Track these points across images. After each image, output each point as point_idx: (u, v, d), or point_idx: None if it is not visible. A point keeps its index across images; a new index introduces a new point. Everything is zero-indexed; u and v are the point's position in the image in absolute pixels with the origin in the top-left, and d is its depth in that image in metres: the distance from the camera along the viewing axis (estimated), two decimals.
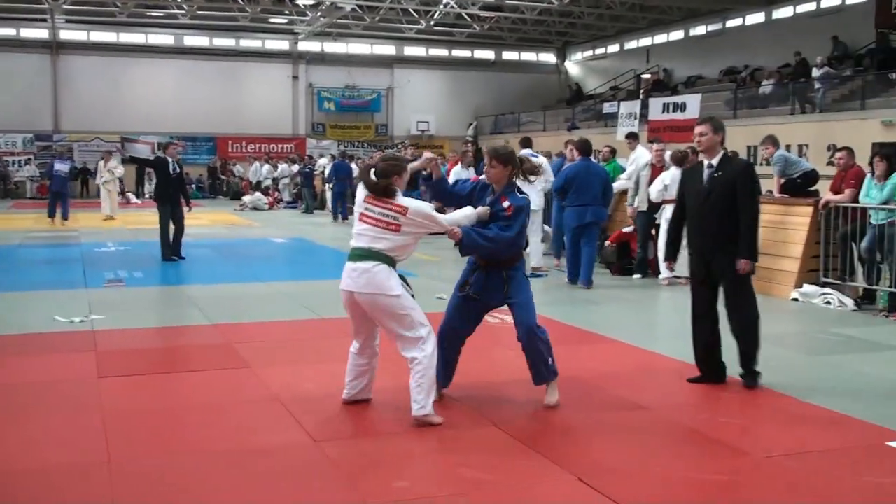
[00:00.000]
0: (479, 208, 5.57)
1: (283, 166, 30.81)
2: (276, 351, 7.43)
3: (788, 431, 5.33)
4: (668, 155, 12.15)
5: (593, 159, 12.45)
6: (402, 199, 5.25)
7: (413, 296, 5.34)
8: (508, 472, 4.55)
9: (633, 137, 13.79)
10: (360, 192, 5.35)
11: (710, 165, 6.33)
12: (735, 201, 6.19)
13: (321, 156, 32.09)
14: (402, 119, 40.76)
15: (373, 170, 5.31)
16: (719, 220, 6.21)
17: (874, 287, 9.82)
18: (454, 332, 5.76)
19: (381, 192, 5.22)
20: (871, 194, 9.70)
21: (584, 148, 11.83)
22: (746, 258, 6.18)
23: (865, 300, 9.86)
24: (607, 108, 29.31)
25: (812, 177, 11.40)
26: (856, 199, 9.90)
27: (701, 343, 6.41)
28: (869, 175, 9.91)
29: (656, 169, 12.17)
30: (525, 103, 39.77)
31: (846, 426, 5.41)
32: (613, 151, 14.84)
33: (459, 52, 41.99)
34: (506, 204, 5.49)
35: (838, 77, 24.82)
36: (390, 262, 5.25)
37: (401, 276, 5.31)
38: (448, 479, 4.44)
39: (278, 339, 7.97)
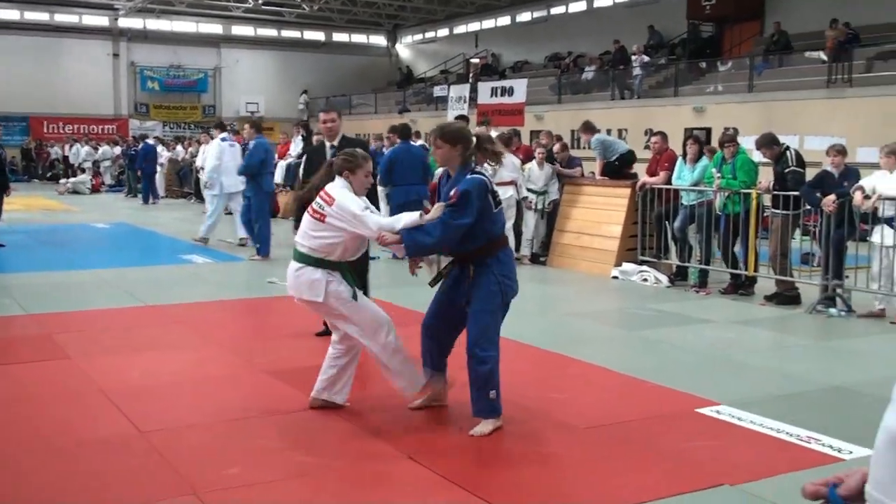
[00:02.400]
0: (437, 209, 4.77)
1: (104, 148, 29.48)
2: (99, 340, 7.16)
3: (609, 403, 5.61)
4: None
5: (413, 142, 12.81)
6: (334, 189, 4.88)
7: (356, 292, 4.98)
8: (341, 455, 4.58)
9: (462, 120, 14.05)
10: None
11: (333, 146, 7.01)
12: None
13: (145, 137, 30.87)
14: (230, 100, 39.75)
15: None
16: None
17: (686, 264, 10.42)
18: (433, 326, 5.13)
19: (323, 182, 4.98)
20: (683, 176, 10.28)
21: (404, 132, 12.24)
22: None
23: (678, 276, 10.46)
24: (438, 91, 29.64)
25: (629, 158, 11.96)
26: (669, 182, 10.46)
27: None
28: (681, 158, 10.50)
29: None
30: (356, 86, 39.62)
31: (661, 395, 5.75)
32: None
33: (289, 33, 41.32)
34: (452, 191, 4.75)
35: (654, 65, 26.04)
36: (318, 262, 4.88)
37: (344, 270, 4.94)
38: (280, 464, 4.43)
39: (101, 327, 7.68)
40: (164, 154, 25.25)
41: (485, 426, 4.82)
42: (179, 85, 39.24)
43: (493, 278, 4.77)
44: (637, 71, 25.21)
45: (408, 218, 4.79)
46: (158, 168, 24.33)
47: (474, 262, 4.79)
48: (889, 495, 1.20)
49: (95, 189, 27.23)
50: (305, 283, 4.90)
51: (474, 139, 4.93)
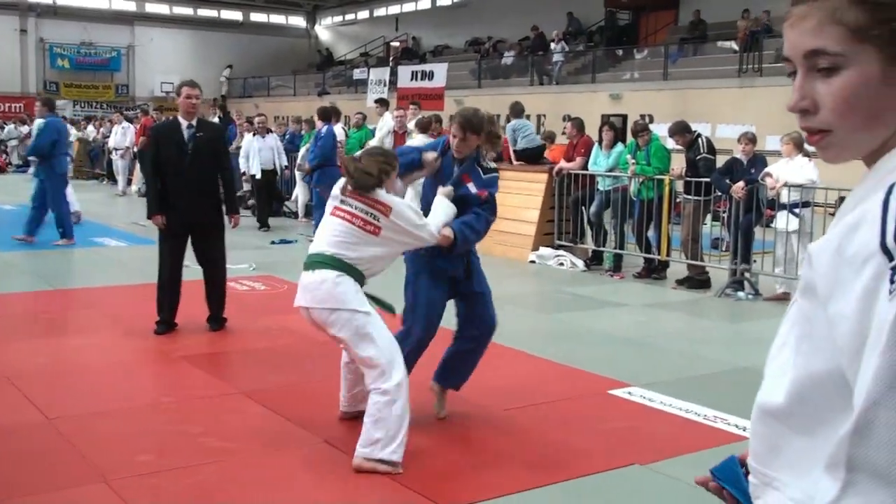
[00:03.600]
0: (446, 193, 4.66)
1: (9, 127, 28.49)
2: (5, 325, 6.93)
3: (525, 385, 5.69)
4: (411, 123, 12.46)
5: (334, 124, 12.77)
6: (385, 196, 4.29)
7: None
8: (255, 440, 4.55)
9: (381, 104, 14.00)
10: (339, 183, 4.44)
11: (191, 125, 6.70)
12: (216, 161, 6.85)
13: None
14: (145, 79, 38.79)
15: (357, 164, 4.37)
16: (200, 177, 6.69)
17: (601, 249, 10.60)
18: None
19: (368, 187, 4.26)
20: (599, 162, 10.44)
21: (325, 115, 12.17)
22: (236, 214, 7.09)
23: (594, 261, 10.63)
24: (358, 74, 29.44)
25: (536, 153, 12.03)
26: (585, 167, 10.60)
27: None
28: (597, 144, 10.66)
29: (399, 136, 12.42)
30: (275, 67, 39.08)
31: (575, 377, 5.85)
32: (364, 118, 15.00)
33: (205, 12, 40.52)
34: (472, 189, 4.69)
35: (572, 52, 26.34)
36: (358, 276, 4.24)
37: (371, 297, 4.34)
38: (193, 450, 4.37)
39: (6, 312, 7.44)
40: (71, 134, 24.54)
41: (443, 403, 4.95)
42: (91, 63, 38.13)
43: (478, 261, 4.95)
44: (556, 58, 25.45)
45: (446, 211, 4.60)
46: None
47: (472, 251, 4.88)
48: (764, 464, 1.28)
49: (1, 169, 26.32)
50: (344, 291, 4.16)
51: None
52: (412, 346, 4.67)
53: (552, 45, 25.85)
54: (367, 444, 4.07)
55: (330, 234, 4.28)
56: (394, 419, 4.06)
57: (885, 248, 1.03)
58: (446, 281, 4.78)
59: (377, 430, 4.06)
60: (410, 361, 4.59)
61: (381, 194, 4.29)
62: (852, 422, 1.01)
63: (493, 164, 4.95)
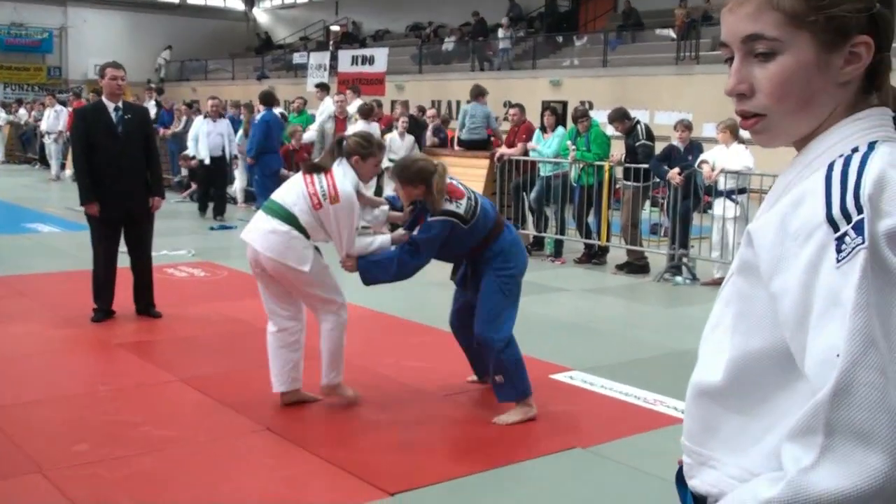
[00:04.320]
0: (396, 236, 4.80)
1: None
2: None
3: (466, 370, 5.69)
4: (351, 108, 12.39)
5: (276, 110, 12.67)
6: (343, 185, 4.56)
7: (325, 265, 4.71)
8: (197, 428, 4.50)
9: (322, 88, 13.88)
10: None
11: (117, 108, 6.57)
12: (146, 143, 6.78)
13: None
14: (78, 62, 37.82)
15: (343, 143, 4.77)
16: (132, 162, 6.59)
17: (542, 234, 10.67)
18: (453, 324, 5.23)
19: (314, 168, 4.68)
20: (542, 147, 10.49)
21: (268, 100, 12.08)
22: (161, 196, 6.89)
23: (535, 246, 10.70)
24: (297, 58, 29.10)
25: (478, 145, 12.06)
26: (526, 153, 10.65)
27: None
28: (539, 130, 10.71)
29: (339, 121, 12.33)
30: (212, 50, 38.47)
31: None
32: (305, 102, 14.88)
33: None
34: (415, 232, 4.69)
35: (514, 38, 26.40)
36: (306, 235, 4.57)
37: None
38: (133, 439, 4.30)
39: None
40: (1, 117, 23.95)
41: (510, 415, 4.69)
42: (21, 44, 37.04)
43: (492, 275, 4.73)
44: (503, 44, 25.44)
45: (375, 242, 4.69)
46: None
47: (471, 261, 4.84)
48: (699, 443, 1.31)
49: None
50: (293, 247, 4.52)
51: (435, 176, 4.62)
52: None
53: (499, 32, 25.80)
54: (328, 382, 4.76)
55: (292, 191, 4.60)
56: (340, 350, 4.75)
57: (830, 219, 1.07)
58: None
59: (331, 371, 4.74)
60: None
61: (340, 177, 4.56)
62: (830, 386, 1.03)
63: (451, 206, 4.62)
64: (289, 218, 4.53)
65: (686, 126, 9.33)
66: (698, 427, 1.31)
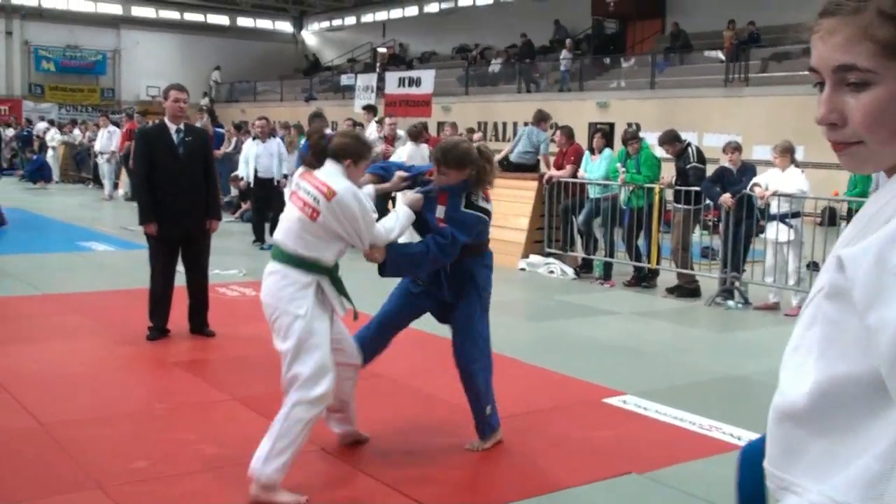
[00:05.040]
0: (409, 201, 4.24)
1: None
2: None
3: (517, 393, 5.67)
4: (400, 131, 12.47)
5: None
6: (333, 179, 3.88)
7: (344, 305, 4.05)
8: (251, 447, 4.51)
9: (370, 110, 13.99)
10: (300, 169, 4.18)
11: (179, 130, 6.65)
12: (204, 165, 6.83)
13: (41, 119, 29.82)
14: (130, 83, 38.65)
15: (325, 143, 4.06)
16: (192, 183, 6.64)
17: (591, 257, 10.62)
18: (382, 323, 4.60)
19: (313, 160, 4.00)
20: (590, 169, 10.47)
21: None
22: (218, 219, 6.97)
23: (584, 269, 10.65)
24: (345, 80, 29.39)
25: (526, 167, 11.96)
26: (575, 175, 10.63)
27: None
28: (588, 152, 10.68)
29: (387, 141, 12.41)
30: (262, 72, 39.03)
31: (568, 385, 5.85)
32: (353, 124, 15.00)
33: (192, 16, 40.43)
34: (439, 213, 4.26)
35: (558, 61, 26.39)
36: (309, 266, 3.90)
37: (334, 276, 4.00)
38: (189, 457, 4.34)
39: None
40: (56, 137, 24.48)
41: (483, 442, 4.56)
42: (76, 66, 37.95)
43: (475, 293, 4.42)
44: (564, 65, 25.27)
45: (400, 220, 4.16)
46: (50, 151, 23.69)
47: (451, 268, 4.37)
48: (780, 468, 1.29)
49: None
50: (286, 286, 3.87)
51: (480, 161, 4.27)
52: None
53: (563, 52, 25.52)
54: (258, 467, 3.82)
55: (284, 221, 3.99)
56: (298, 438, 3.85)
57: None
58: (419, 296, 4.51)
59: (275, 456, 3.80)
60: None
61: (328, 174, 3.92)
62: None
63: (485, 205, 4.33)
64: (287, 258, 3.92)
65: (735, 148, 9.25)
66: (780, 451, 1.29)
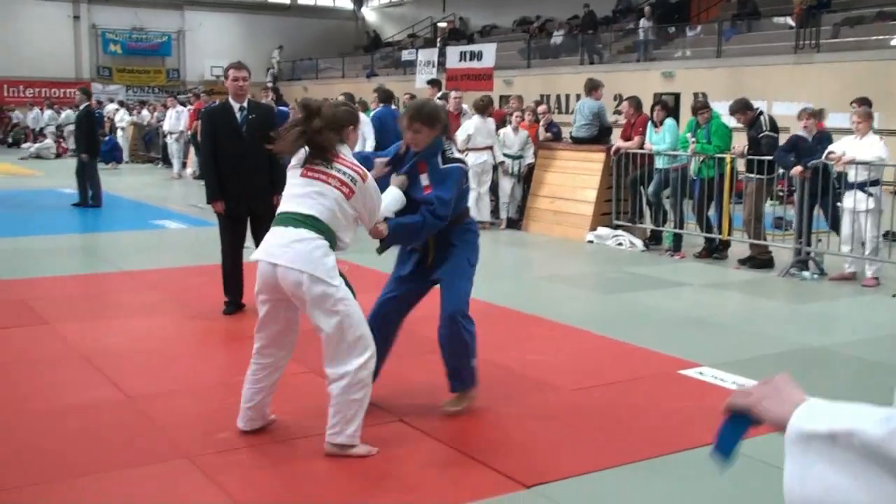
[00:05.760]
0: (398, 183, 4.40)
1: (67, 112, 28.96)
2: (75, 306, 7.09)
3: (590, 364, 5.67)
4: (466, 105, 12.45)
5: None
6: (358, 162, 4.11)
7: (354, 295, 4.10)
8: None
9: (434, 84, 13.98)
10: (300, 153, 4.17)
11: (242, 108, 6.67)
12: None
13: (111, 100, 30.43)
14: (195, 64, 39.16)
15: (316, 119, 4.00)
16: (257, 160, 6.51)
17: (660, 228, 10.50)
18: (381, 314, 4.73)
19: (321, 151, 4.00)
20: (653, 140, 10.32)
21: (385, 97, 12.24)
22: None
23: (653, 241, 10.54)
24: (406, 55, 29.35)
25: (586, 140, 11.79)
26: (643, 146, 10.49)
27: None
28: (650, 123, 10.53)
29: (453, 116, 12.38)
30: (322, 49, 39.22)
31: (643, 357, 5.81)
32: (414, 99, 15.01)
33: None
34: (424, 181, 4.40)
35: (630, 30, 25.99)
36: (332, 241, 3.97)
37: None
38: (271, 429, 4.41)
39: (76, 293, 7.60)
40: (125, 118, 24.94)
41: (461, 400, 4.63)
42: (142, 48, 38.59)
43: (465, 243, 4.59)
44: (641, 35, 24.80)
45: (394, 201, 4.33)
46: (120, 132, 24.13)
47: (440, 236, 4.51)
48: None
49: (59, 154, 26.78)
50: (319, 256, 3.87)
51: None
52: None
53: (642, 21, 25.02)
54: (334, 433, 4.02)
55: (303, 194, 3.97)
56: (356, 405, 4.02)
57: None
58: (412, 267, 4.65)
59: (338, 416, 4.01)
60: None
61: (350, 153, 4.12)
62: None
63: (458, 154, 4.58)
64: (310, 223, 3.93)
65: (811, 114, 9.02)
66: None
